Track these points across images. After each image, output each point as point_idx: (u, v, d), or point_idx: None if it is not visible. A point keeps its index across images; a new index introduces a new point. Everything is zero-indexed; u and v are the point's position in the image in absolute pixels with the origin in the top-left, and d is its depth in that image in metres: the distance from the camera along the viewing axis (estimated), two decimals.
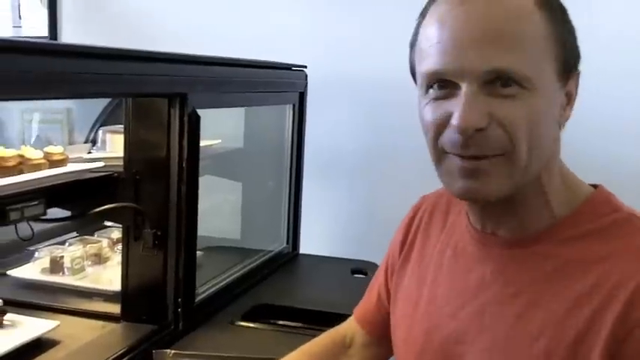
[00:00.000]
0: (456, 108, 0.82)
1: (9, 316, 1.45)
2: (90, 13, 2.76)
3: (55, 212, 1.46)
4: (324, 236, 2.44)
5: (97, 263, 1.88)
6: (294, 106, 2.19)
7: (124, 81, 1.31)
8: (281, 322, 1.68)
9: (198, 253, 1.60)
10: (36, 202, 1.31)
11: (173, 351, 1.41)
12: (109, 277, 1.78)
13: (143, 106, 1.48)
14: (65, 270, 1.79)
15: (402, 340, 1.06)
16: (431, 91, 0.86)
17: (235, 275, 1.88)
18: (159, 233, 1.50)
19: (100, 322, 1.55)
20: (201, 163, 1.55)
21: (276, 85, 2.06)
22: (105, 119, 2.20)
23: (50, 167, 1.47)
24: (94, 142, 2.05)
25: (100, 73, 1.23)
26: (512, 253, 0.91)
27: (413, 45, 0.92)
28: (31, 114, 2.27)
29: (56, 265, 1.79)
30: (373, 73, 2.34)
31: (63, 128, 2.30)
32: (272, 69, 2.02)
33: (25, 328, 1.43)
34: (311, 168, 2.29)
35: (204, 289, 1.68)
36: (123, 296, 1.56)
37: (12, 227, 1.33)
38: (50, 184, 1.42)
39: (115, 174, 1.55)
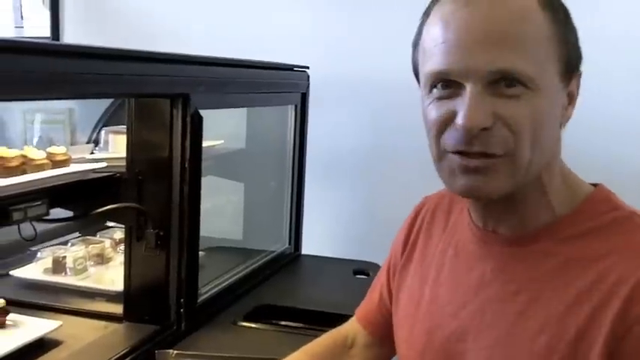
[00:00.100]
0: (461, 107, 0.82)
1: (12, 316, 1.45)
2: (92, 14, 2.76)
3: (58, 212, 1.46)
4: (326, 237, 2.44)
5: (100, 263, 1.88)
6: (296, 106, 2.19)
7: (127, 81, 1.31)
8: (283, 323, 1.68)
9: (201, 253, 1.61)
10: (39, 203, 1.31)
11: (175, 351, 1.41)
12: (112, 277, 1.78)
13: (146, 106, 1.49)
14: (68, 270, 1.79)
15: (403, 340, 1.07)
16: (434, 90, 0.86)
17: (237, 276, 1.88)
18: (161, 233, 1.50)
19: (103, 323, 1.55)
20: (204, 164, 1.55)
21: (278, 85, 2.06)
22: (107, 120, 2.20)
23: (53, 167, 1.47)
24: (96, 143, 2.05)
25: (103, 74, 1.23)
26: (512, 251, 0.92)
27: (416, 44, 0.92)
28: (33, 114, 2.27)
29: (59, 266, 1.80)
30: (375, 73, 2.34)
31: (65, 128, 2.30)
32: (274, 70, 2.03)
33: (28, 328, 1.43)
34: (313, 168, 2.29)
35: (206, 290, 1.68)
36: (125, 296, 1.56)
37: (15, 227, 1.33)
38: (53, 184, 1.42)
39: (118, 174, 1.55)
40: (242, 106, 2.02)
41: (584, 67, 0.90)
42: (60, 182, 1.44)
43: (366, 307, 1.22)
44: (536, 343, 0.84)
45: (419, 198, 1.17)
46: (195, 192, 1.52)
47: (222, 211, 2.19)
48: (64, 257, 1.81)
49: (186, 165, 1.48)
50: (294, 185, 2.23)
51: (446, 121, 0.85)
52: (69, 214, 1.52)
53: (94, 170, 1.57)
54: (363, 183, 2.48)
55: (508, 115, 0.81)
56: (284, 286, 1.97)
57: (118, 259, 1.89)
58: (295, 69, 2.15)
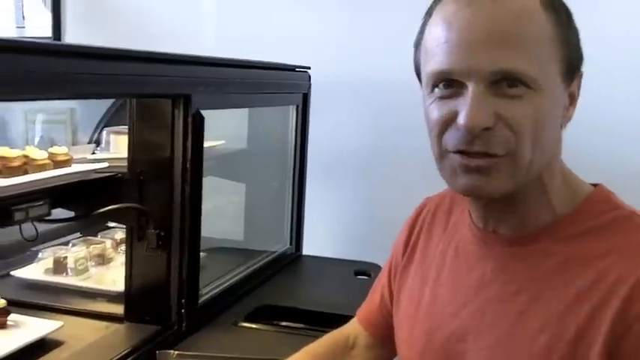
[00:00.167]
0: (463, 107, 0.82)
1: (13, 317, 1.45)
2: (93, 14, 2.76)
3: (59, 213, 1.46)
4: (327, 237, 2.44)
5: (101, 264, 1.88)
6: (297, 107, 2.19)
7: (128, 81, 1.31)
8: (284, 323, 1.68)
9: (202, 253, 1.61)
10: (40, 203, 1.31)
11: (176, 352, 1.41)
12: (113, 277, 1.78)
13: (147, 106, 1.49)
14: (69, 270, 1.79)
15: (404, 341, 1.07)
16: (436, 90, 0.87)
17: (239, 276, 1.88)
18: (162, 234, 1.50)
19: (104, 323, 1.55)
20: (205, 164, 1.55)
21: (279, 86, 2.06)
22: (109, 120, 2.20)
23: (55, 168, 1.47)
24: (97, 143, 2.05)
25: (104, 74, 1.23)
26: (512, 251, 0.92)
27: (418, 44, 0.92)
28: (35, 114, 2.27)
29: (60, 266, 1.80)
30: (376, 74, 2.34)
31: (66, 129, 2.30)
32: (276, 70, 2.03)
33: (29, 328, 1.43)
34: (314, 169, 2.29)
35: (207, 290, 1.69)
36: (126, 297, 1.56)
37: (16, 227, 1.33)
38: (54, 184, 1.42)
39: (119, 175, 1.55)
40: (243, 107, 2.02)
41: (585, 68, 0.90)
42: (61, 182, 1.44)
43: (367, 308, 1.22)
44: (536, 343, 0.84)
45: (420, 198, 1.17)
46: (196, 192, 1.52)
47: (224, 211, 2.19)
48: (65, 257, 1.81)
49: (188, 165, 1.48)
50: (295, 185, 2.23)
51: (447, 121, 0.85)
52: (70, 214, 1.52)
53: (95, 170, 1.57)
54: (364, 183, 2.48)
55: (510, 116, 0.82)
56: (285, 287, 1.97)
57: (119, 260, 1.89)
58: (297, 69, 2.15)
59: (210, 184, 1.62)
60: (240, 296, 1.80)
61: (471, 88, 0.82)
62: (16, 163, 1.37)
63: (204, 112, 1.51)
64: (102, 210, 1.47)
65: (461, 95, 0.83)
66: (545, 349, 0.83)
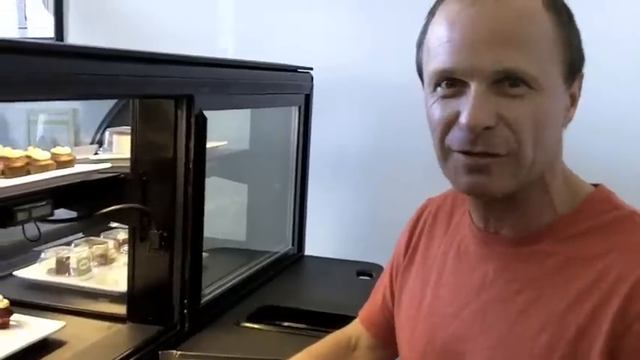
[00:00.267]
0: (465, 106, 0.83)
1: (15, 317, 1.45)
2: (95, 15, 2.76)
3: (62, 213, 1.47)
4: (329, 238, 2.44)
5: (103, 264, 1.88)
6: (299, 108, 2.19)
7: (131, 82, 1.31)
8: (286, 324, 1.68)
9: (204, 254, 1.61)
10: (43, 203, 1.31)
11: (179, 352, 1.41)
12: (115, 277, 1.78)
13: (150, 107, 1.49)
14: (71, 271, 1.80)
15: (405, 341, 1.07)
16: (439, 89, 0.87)
17: (241, 277, 1.88)
18: (165, 234, 1.50)
19: (106, 323, 1.55)
20: (208, 165, 1.55)
21: (282, 87, 2.06)
22: (111, 120, 2.20)
23: (57, 168, 1.47)
24: (100, 143, 2.05)
25: (106, 75, 1.23)
26: (514, 252, 0.92)
27: (420, 44, 0.92)
28: (37, 115, 2.28)
29: (62, 266, 1.80)
30: (378, 75, 2.34)
31: (69, 129, 2.30)
32: (278, 71, 2.03)
33: (31, 328, 1.43)
34: (316, 170, 2.29)
35: (209, 291, 1.69)
36: (129, 297, 1.56)
37: (19, 228, 1.33)
38: (57, 185, 1.42)
39: (122, 175, 1.55)
40: (246, 107, 2.02)
41: (587, 68, 0.90)
42: (64, 183, 1.45)
43: (369, 309, 1.22)
44: (537, 342, 0.84)
45: (422, 199, 1.17)
46: (199, 193, 1.52)
47: (226, 212, 2.20)
48: (68, 258, 1.81)
49: (190, 166, 1.49)
50: (298, 186, 2.23)
51: (450, 121, 0.85)
52: (73, 214, 1.52)
53: (98, 171, 1.57)
54: (367, 184, 2.49)
55: (511, 116, 0.82)
56: (287, 287, 1.97)
57: (122, 260, 1.89)
58: (299, 70, 2.15)
59: (212, 185, 1.62)
60: (243, 296, 1.80)
61: (473, 87, 0.82)
62: (18, 164, 1.38)
63: (206, 113, 1.51)
64: (104, 210, 1.47)
65: (463, 94, 0.84)
66: (546, 349, 0.84)
